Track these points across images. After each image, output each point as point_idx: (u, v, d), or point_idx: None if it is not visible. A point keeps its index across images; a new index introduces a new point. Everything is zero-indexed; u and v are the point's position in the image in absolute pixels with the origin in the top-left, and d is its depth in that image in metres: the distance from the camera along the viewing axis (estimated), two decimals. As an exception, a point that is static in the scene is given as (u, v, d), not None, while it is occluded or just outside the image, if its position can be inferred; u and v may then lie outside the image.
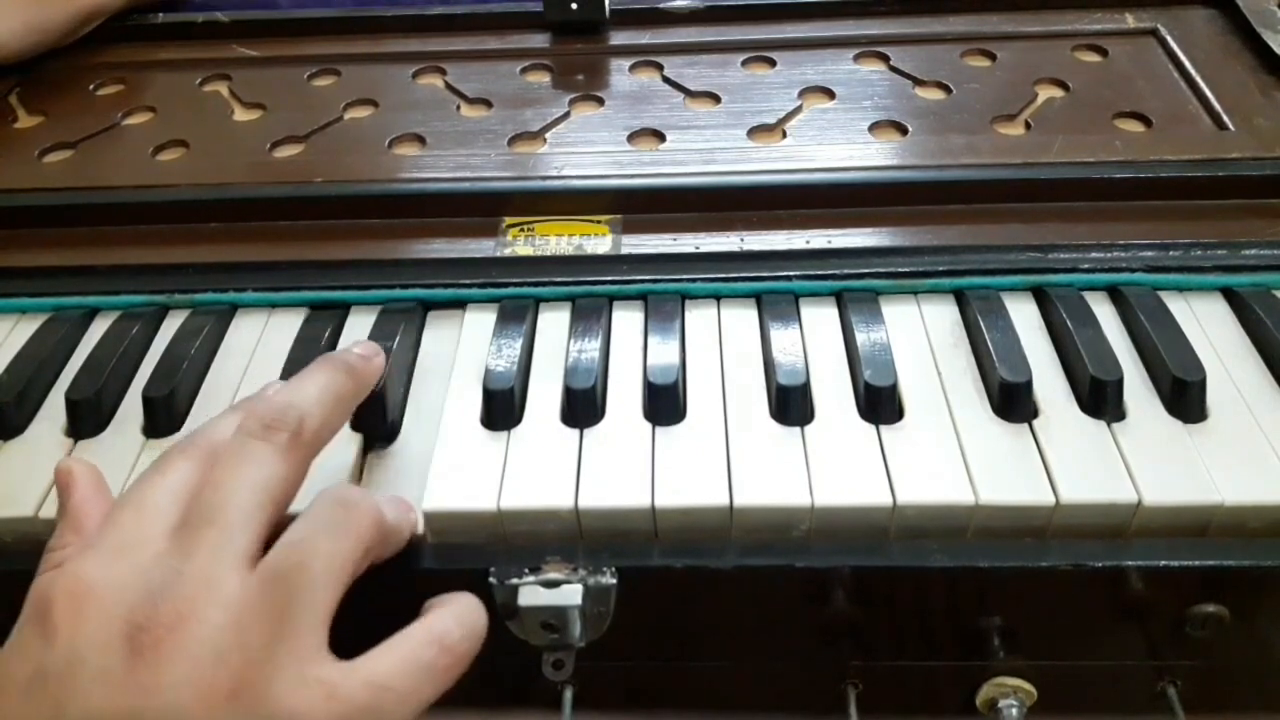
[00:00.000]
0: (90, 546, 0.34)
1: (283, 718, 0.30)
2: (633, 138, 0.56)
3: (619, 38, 0.65)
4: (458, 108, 0.61)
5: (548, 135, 0.57)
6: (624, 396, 0.43)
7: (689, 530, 0.39)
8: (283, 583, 0.32)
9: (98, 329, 0.48)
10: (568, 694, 0.42)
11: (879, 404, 0.41)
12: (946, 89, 0.59)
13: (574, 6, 0.65)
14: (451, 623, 0.34)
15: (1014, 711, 0.42)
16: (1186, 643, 0.40)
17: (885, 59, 0.62)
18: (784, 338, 0.45)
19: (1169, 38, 0.61)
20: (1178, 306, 0.45)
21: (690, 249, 0.49)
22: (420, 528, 0.39)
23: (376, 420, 0.42)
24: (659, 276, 0.48)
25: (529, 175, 0.53)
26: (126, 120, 0.62)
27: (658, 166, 0.53)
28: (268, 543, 0.34)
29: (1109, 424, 0.41)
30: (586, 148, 0.56)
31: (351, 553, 0.33)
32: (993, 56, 0.61)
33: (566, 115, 0.59)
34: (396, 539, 0.37)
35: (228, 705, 0.30)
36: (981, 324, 0.44)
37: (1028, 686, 0.42)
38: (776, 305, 0.47)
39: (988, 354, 0.43)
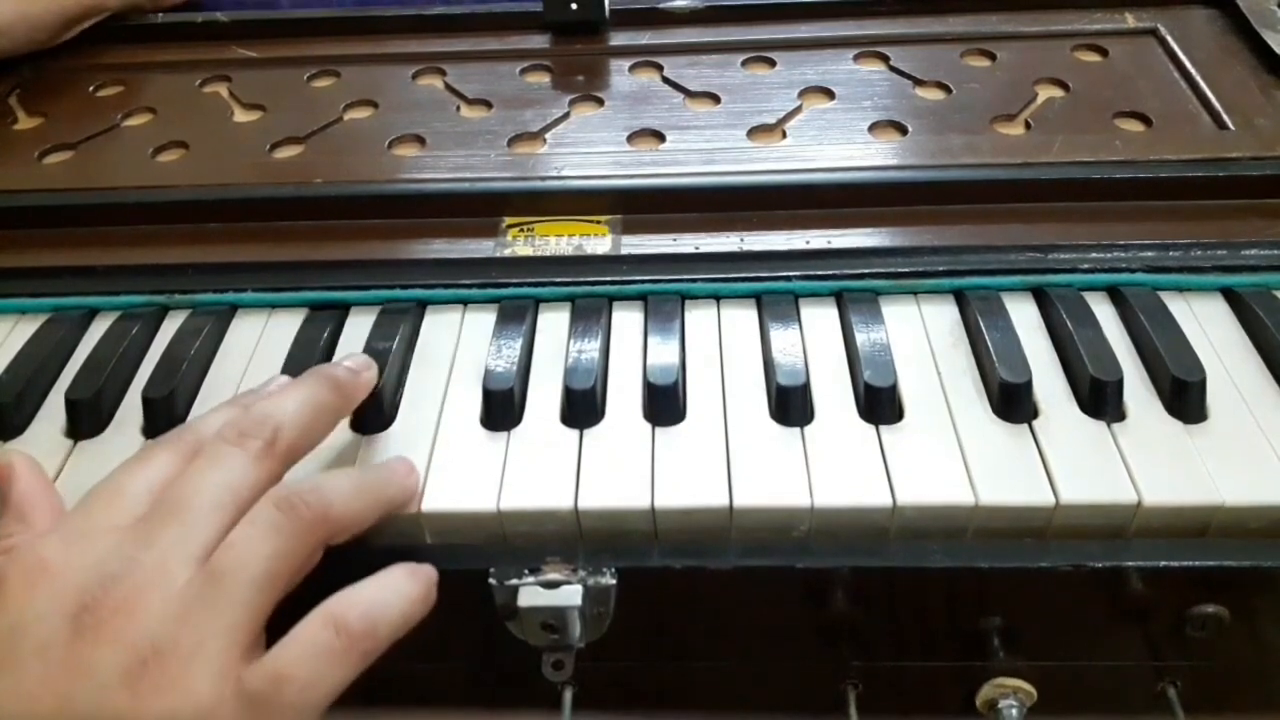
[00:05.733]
0: (54, 530, 0.34)
1: (193, 708, 0.31)
2: (633, 138, 0.56)
3: (619, 38, 0.65)
4: (458, 108, 0.61)
5: (548, 136, 0.57)
6: (624, 397, 0.43)
7: (689, 531, 0.39)
8: (222, 581, 0.33)
9: (98, 329, 0.48)
10: (568, 694, 0.42)
11: (879, 404, 0.41)
12: (946, 89, 0.59)
13: (574, 7, 0.65)
14: (346, 605, 0.34)
15: (1014, 711, 0.42)
16: (1186, 643, 0.40)
17: (885, 59, 0.62)
18: (784, 338, 0.44)
19: (1169, 38, 0.61)
20: (1178, 306, 0.45)
21: (690, 249, 0.49)
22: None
23: (370, 414, 0.42)
24: (659, 277, 0.48)
25: (529, 175, 0.53)
26: (126, 121, 0.62)
27: (658, 167, 0.53)
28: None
29: (1109, 424, 0.41)
30: (586, 148, 0.56)
31: (291, 555, 0.34)
32: (993, 56, 0.61)
33: (566, 116, 0.59)
34: (382, 508, 0.38)
35: (151, 696, 0.31)
36: (981, 324, 0.44)
37: (1028, 687, 0.42)
38: (776, 305, 0.47)
39: (988, 354, 0.43)
